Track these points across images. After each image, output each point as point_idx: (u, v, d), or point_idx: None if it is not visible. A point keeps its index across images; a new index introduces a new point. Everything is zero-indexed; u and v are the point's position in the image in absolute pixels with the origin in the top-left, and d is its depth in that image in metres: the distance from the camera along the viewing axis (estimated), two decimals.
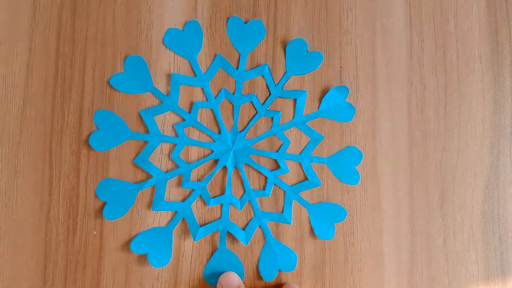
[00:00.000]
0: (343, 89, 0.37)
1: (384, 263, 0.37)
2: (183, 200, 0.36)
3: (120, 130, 0.35)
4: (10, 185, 0.34)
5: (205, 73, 0.37)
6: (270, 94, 0.37)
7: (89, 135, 0.35)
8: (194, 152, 0.36)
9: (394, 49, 0.39)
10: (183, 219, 0.35)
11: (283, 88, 0.37)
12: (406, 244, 0.37)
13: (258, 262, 0.36)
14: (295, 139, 0.37)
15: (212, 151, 0.36)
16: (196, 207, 0.36)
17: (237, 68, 0.37)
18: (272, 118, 0.37)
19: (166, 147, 0.36)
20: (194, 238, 0.35)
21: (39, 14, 0.36)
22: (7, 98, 0.35)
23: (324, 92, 0.38)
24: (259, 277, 0.36)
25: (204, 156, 0.36)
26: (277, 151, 0.37)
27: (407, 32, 0.39)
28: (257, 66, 0.37)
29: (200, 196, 0.36)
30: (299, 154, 0.37)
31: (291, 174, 0.37)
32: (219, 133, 0.36)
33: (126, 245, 0.35)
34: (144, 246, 0.34)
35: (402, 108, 0.38)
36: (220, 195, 0.36)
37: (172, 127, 0.36)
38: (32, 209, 0.34)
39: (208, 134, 0.36)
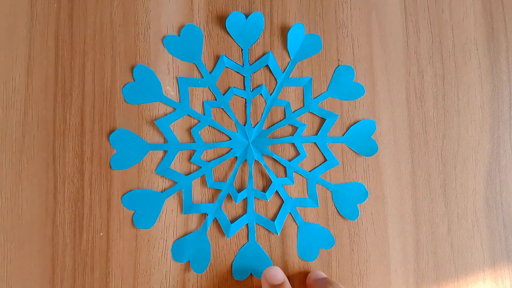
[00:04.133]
0: (348, 69, 0.38)
1: (390, 253, 0.37)
2: (208, 201, 0.36)
3: (139, 145, 0.35)
4: (15, 191, 0.34)
5: (211, 72, 0.37)
6: (277, 82, 0.37)
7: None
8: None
9: (391, 40, 0.39)
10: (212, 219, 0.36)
11: (290, 76, 0.37)
12: (411, 233, 0.37)
13: (297, 246, 0.36)
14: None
15: (231, 149, 0.36)
16: (223, 205, 0.36)
17: (242, 64, 0.37)
18: (284, 107, 0.37)
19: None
20: (227, 235, 0.35)
21: (36, 19, 0.36)
22: (9, 104, 0.35)
23: (330, 73, 0.38)
24: (300, 260, 0.36)
25: (223, 154, 0.36)
26: (292, 135, 0.37)
27: (402, 22, 0.39)
28: (260, 57, 0.37)
29: (229, 194, 0.36)
30: (316, 135, 0.37)
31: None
32: (234, 130, 0.37)
33: (133, 246, 0.35)
34: (186, 254, 0.35)
35: (401, 98, 0.39)
36: (243, 189, 0.36)
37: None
38: (38, 213, 0.34)
39: (224, 132, 0.36)
